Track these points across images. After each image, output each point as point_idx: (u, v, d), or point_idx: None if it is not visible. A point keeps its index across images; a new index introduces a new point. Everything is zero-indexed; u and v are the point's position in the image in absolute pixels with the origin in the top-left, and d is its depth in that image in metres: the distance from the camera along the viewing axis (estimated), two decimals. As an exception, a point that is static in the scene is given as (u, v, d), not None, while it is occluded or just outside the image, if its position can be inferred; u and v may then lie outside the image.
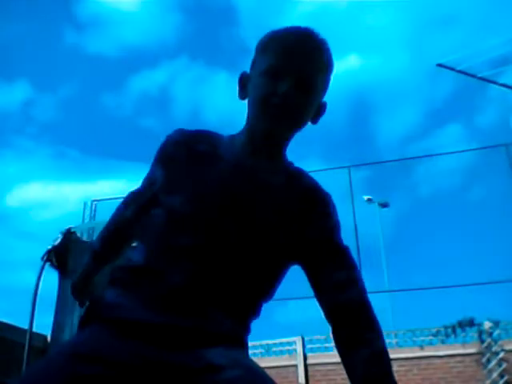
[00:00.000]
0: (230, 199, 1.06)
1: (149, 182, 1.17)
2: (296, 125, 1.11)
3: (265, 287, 1.09)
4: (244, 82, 1.16)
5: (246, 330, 1.06)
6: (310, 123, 1.17)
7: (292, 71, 1.06)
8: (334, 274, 1.06)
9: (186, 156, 1.11)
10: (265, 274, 1.08)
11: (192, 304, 0.97)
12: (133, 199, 1.24)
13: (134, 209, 1.21)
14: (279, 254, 1.08)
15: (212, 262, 1.01)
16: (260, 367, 0.93)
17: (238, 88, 1.17)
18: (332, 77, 1.16)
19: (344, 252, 1.10)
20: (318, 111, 1.17)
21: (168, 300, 0.96)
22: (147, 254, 1.04)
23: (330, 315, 1.05)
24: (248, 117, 1.14)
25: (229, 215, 1.04)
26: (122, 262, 1.08)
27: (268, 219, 1.07)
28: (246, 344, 1.05)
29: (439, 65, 8.00)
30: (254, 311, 1.08)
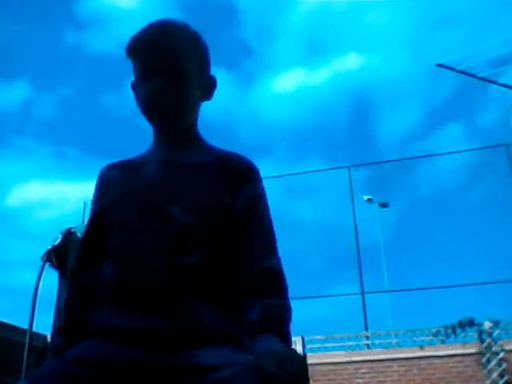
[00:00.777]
0: (160, 190, 1.09)
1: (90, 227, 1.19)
2: (180, 113, 1.15)
3: (228, 265, 1.06)
4: (134, 91, 1.20)
5: (235, 321, 1.01)
6: (205, 101, 1.21)
7: (156, 67, 1.11)
8: (252, 242, 1.07)
9: (113, 177, 1.17)
10: (218, 251, 1.06)
11: (168, 305, 0.97)
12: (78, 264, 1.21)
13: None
14: (220, 227, 1.07)
15: (166, 255, 1.01)
16: (255, 364, 0.87)
17: (135, 96, 1.21)
18: (206, 51, 1.20)
19: (261, 221, 1.11)
20: (208, 88, 1.21)
21: (145, 305, 0.97)
22: (113, 269, 1.06)
23: (244, 280, 1.04)
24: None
25: (164, 205, 1.06)
26: (95, 281, 1.10)
27: (199, 198, 1.08)
28: (239, 337, 1.00)
29: (439, 65, 8.00)
30: (233, 296, 1.04)
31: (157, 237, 1.03)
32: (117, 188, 1.14)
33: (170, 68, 1.11)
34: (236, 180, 1.12)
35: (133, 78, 1.17)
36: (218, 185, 1.10)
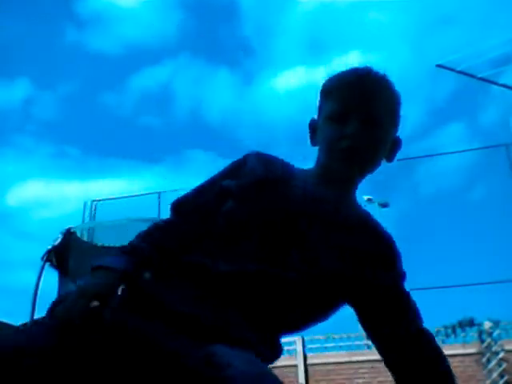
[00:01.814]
0: (297, 225, 1.04)
1: (216, 193, 1.12)
2: (367, 165, 1.11)
3: (308, 321, 1.09)
4: (313, 128, 1.17)
5: (270, 348, 1.02)
6: (384, 161, 1.16)
7: (356, 112, 1.06)
8: (403, 322, 1.08)
9: (261, 176, 1.11)
10: (312, 311, 1.07)
11: (226, 309, 0.96)
12: (193, 210, 1.15)
13: (195, 219, 1.13)
14: (337, 293, 1.07)
15: (263, 283, 0.99)
16: (272, 372, 0.87)
17: (309, 134, 1.18)
18: (400, 111, 1.14)
19: (409, 299, 1.11)
20: (392, 148, 1.16)
21: (209, 297, 0.96)
22: (204, 253, 1.03)
23: (399, 362, 1.08)
24: (319, 159, 1.14)
25: (293, 243, 1.02)
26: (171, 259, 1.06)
27: (335, 256, 1.04)
28: (268, 359, 1.01)
29: (439, 65, 8.01)
30: (279, 337, 1.07)
31: (289, 268, 1.00)
32: (260, 198, 1.08)
33: (371, 117, 1.07)
34: (388, 256, 1.12)
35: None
36: (363, 254, 1.08)
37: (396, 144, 1.16)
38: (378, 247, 1.10)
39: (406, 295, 1.11)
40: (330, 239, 1.05)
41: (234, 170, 1.14)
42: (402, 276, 1.13)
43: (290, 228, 1.04)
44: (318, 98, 1.17)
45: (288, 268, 1.00)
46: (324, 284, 1.03)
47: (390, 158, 1.17)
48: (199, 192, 1.16)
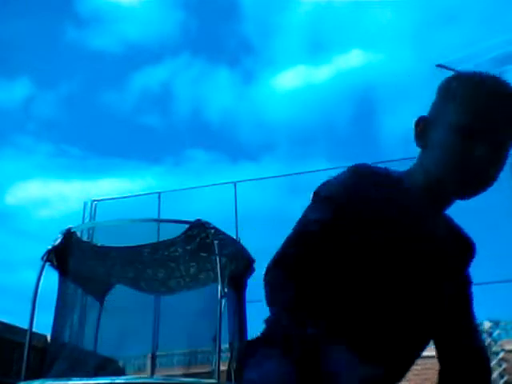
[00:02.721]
0: (421, 260, 1.00)
1: (321, 224, 0.98)
2: (485, 189, 1.02)
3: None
4: (423, 127, 1.05)
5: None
6: None
7: (490, 134, 0.96)
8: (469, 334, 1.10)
9: (369, 199, 1.00)
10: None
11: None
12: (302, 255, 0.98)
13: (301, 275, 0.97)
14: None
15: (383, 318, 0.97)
16: None
17: (414, 132, 1.06)
18: None
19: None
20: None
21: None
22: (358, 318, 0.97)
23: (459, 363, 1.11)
24: (427, 166, 1.04)
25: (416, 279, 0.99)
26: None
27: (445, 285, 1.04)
28: None
29: (439, 65, 8.00)
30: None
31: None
32: (384, 226, 0.98)
33: (505, 142, 0.98)
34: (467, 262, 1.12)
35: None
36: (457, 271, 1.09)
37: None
38: (464, 257, 1.11)
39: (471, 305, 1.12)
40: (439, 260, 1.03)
41: (338, 197, 1.01)
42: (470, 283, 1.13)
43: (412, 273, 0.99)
44: (436, 95, 1.05)
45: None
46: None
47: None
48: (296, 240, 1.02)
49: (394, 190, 1.03)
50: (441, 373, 1.12)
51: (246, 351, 1.05)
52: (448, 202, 1.05)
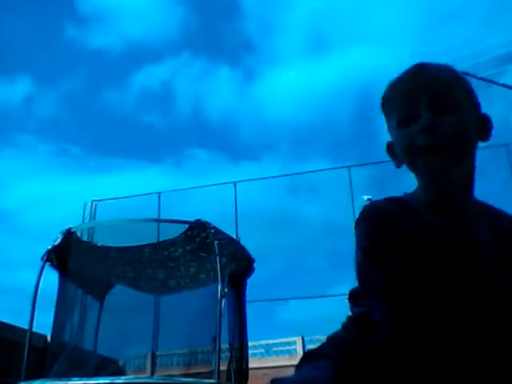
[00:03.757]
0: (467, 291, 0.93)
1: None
2: (461, 150, 0.95)
3: None
4: (391, 149, 1.05)
5: None
6: (481, 143, 1.01)
7: (420, 100, 0.95)
8: None
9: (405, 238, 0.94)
10: None
11: None
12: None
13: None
14: None
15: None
16: None
17: (391, 159, 1.05)
18: (471, 89, 1.02)
19: None
20: (482, 127, 1.01)
21: None
22: None
23: None
24: (418, 183, 1.02)
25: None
26: None
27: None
28: None
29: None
30: None
31: None
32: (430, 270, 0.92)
33: (437, 97, 0.95)
34: None
35: None
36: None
37: (485, 122, 1.01)
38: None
39: None
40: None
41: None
42: None
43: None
44: (384, 116, 1.06)
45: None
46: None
47: (484, 139, 1.01)
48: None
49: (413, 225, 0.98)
50: None
51: None
52: (458, 187, 0.98)
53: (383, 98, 1.04)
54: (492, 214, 1.03)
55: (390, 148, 1.05)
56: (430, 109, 0.94)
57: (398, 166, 1.03)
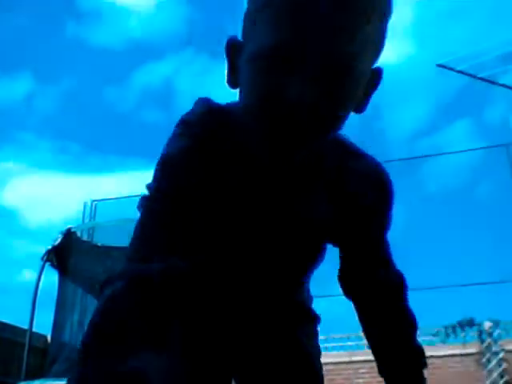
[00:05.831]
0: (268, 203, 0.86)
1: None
2: (326, 126, 0.73)
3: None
4: (233, 56, 0.74)
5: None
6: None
7: (310, 52, 0.64)
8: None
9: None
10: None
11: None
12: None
13: None
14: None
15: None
16: None
17: (226, 65, 0.76)
18: (388, 21, 0.72)
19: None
20: (369, 83, 0.74)
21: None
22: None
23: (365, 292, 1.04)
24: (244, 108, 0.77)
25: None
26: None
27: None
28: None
29: (439, 65, 8.00)
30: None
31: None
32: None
33: (337, 54, 0.67)
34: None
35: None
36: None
37: (375, 77, 0.75)
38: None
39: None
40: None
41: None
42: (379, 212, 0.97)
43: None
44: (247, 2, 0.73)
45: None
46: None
47: (361, 108, 0.77)
48: None
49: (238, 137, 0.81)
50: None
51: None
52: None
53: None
54: (348, 153, 0.93)
55: (234, 52, 0.75)
56: (318, 67, 0.67)
57: (232, 87, 0.80)
